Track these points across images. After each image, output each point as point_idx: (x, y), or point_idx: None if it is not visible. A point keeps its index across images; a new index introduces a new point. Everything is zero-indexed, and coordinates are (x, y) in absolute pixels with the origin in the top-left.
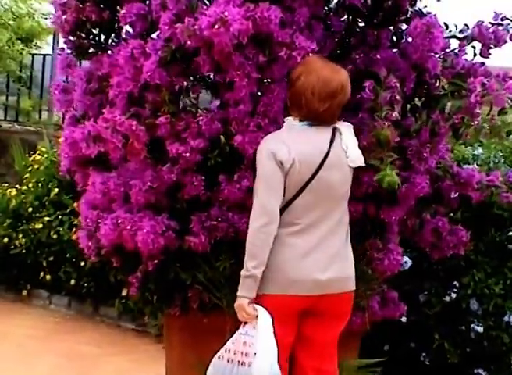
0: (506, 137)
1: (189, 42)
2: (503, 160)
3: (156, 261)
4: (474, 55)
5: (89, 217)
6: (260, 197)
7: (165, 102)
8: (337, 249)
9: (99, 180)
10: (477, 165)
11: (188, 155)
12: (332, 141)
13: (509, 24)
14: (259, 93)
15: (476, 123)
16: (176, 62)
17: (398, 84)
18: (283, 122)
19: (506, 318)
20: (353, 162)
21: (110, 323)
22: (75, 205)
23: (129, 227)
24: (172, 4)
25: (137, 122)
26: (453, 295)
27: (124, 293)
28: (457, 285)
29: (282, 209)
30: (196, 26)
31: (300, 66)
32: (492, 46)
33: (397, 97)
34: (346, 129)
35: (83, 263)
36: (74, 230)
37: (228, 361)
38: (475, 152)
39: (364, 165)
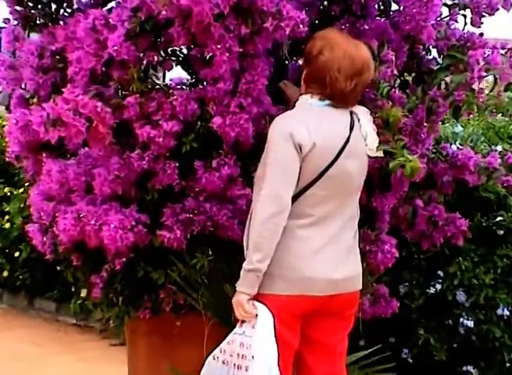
0: None
1: (164, 12)
2: (482, 138)
3: (124, 259)
4: (465, 24)
5: (43, 210)
6: (271, 183)
7: (133, 80)
8: (350, 244)
9: (56, 168)
10: (459, 144)
11: (161, 139)
12: (351, 127)
13: None
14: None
15: (481, 100)
16: (145, 35)
17: (394, 58)
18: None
19: (499, 311)
20: (372, 151)
21: (47, 317)
22: (6, 190)
23: (93, 222)
24: None
25: (102, 102)
26: (438, 286)
27: (83, 294)
28: (442, 275)
29: (294, 198)
30: None
31: (317, 39)
32: (484, 14)
33: (395, 72)
34: (363, 114)
35: (17, 254)
36: (7, 217)
37: (223, 363)
38: (455, 130)
39: (382, 155)
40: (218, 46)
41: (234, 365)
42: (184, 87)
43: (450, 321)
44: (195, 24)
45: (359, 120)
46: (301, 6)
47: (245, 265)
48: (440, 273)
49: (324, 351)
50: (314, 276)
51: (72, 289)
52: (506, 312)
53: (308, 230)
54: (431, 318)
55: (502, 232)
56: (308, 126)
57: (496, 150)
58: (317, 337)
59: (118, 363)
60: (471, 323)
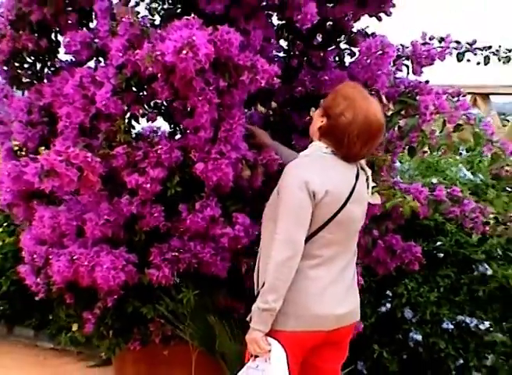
0: (466, 153)
1: (150, 69)
2: (416, 172)
3: (115, 296)
4: (408, 73)
5: (36, 253)
6: (286, 228)
7: (119, 131)
8: (351, 282)
9: (48, 214)
10: (399, 177)
11: (148, 185)
12: (357, 175)
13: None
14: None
15: (434, 140)
16: (130, 90)
17: None
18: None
19: (444, 325)
20: (373, 199)
21: (27, 343)
22: None
23: (86, 263)
24: (123, 30)
25: (91, 153)
26: (388, 305)
27: (75, 328)
28: (390, 295)
29: (305, 241)
30: (157, 52)
31: (339, 97)
32: (425, 64)
33: None
34: (364, 164)
35: None
36: None
37: None
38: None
39: (380, 203)
40: (200, 98)
41: None
42: (155, 134)
43: (400, 336)
44: (178, 79)
45: (363, 169)
46: (268, 60)
47: (260, 304)
48: (389, 293)
49: None
50: (323, 313)
51: (50, 317)
52: (450, 326)
53: (317, 270)
54: (383, 334)
55: (442, 255)
56: (321, 175)
57: (432, 182)
58: (320, 364)
59: None
60: (418, 337)
